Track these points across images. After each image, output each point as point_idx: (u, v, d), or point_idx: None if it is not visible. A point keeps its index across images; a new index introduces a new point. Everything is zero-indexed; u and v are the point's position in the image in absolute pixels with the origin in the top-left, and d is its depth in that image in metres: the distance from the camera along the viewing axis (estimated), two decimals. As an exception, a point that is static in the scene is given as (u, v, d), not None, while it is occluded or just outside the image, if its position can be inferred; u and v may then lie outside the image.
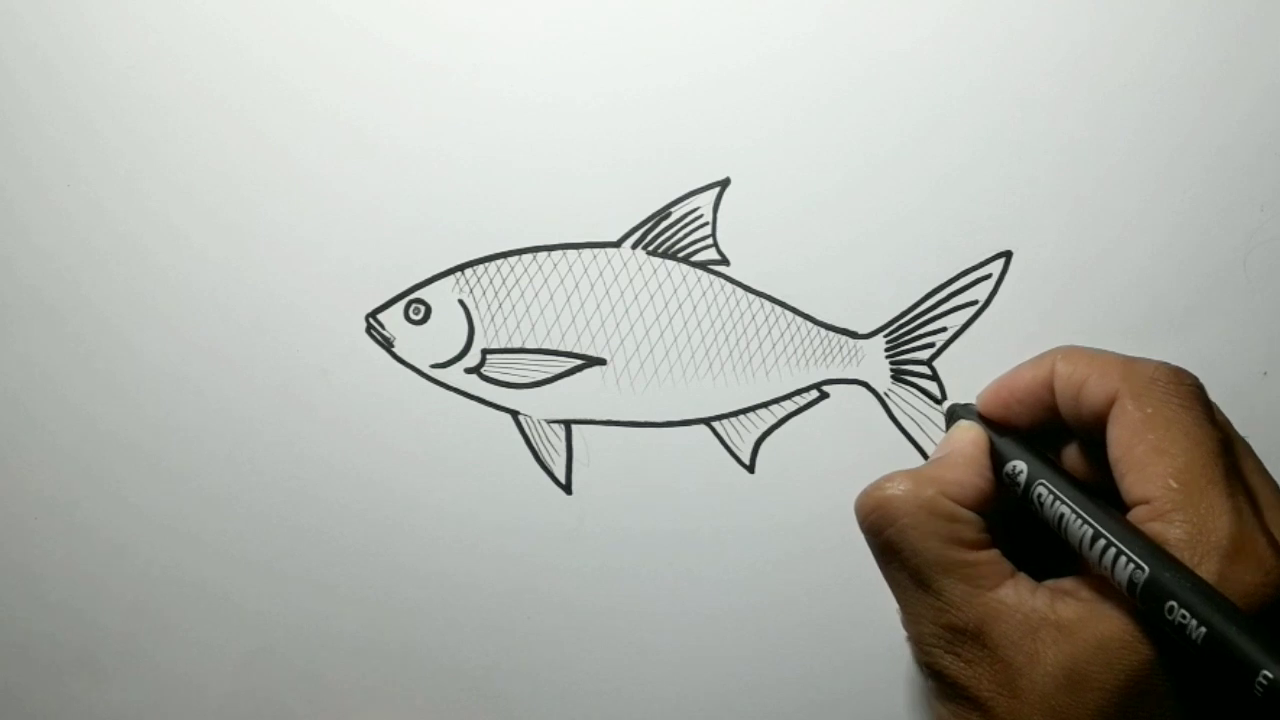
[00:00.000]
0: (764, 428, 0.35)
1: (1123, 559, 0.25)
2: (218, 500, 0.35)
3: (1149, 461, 0.26)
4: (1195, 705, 0.25)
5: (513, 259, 0.35)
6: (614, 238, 0.35)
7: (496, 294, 0.35)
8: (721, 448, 0.35)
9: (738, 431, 0.35)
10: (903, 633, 0.30)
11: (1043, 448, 0.31)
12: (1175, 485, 0.26)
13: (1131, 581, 0.24)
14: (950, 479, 0.29)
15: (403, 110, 0.35)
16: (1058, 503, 0.28)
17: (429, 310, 0.35)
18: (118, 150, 0.35)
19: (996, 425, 0.31)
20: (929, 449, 0.35)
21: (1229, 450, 0.27)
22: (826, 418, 0.35)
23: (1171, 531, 0.25)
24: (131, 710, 0.36)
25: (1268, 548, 0.25)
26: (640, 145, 0.35)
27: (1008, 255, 0.35)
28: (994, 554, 0.28)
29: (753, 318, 0.35)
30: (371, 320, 0.35)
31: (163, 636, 0.36)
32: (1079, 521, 0.27)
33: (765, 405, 0.35)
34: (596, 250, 0.35)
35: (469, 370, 0.35)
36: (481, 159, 0.35)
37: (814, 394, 0.35)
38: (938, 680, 0.28)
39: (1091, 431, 0.29)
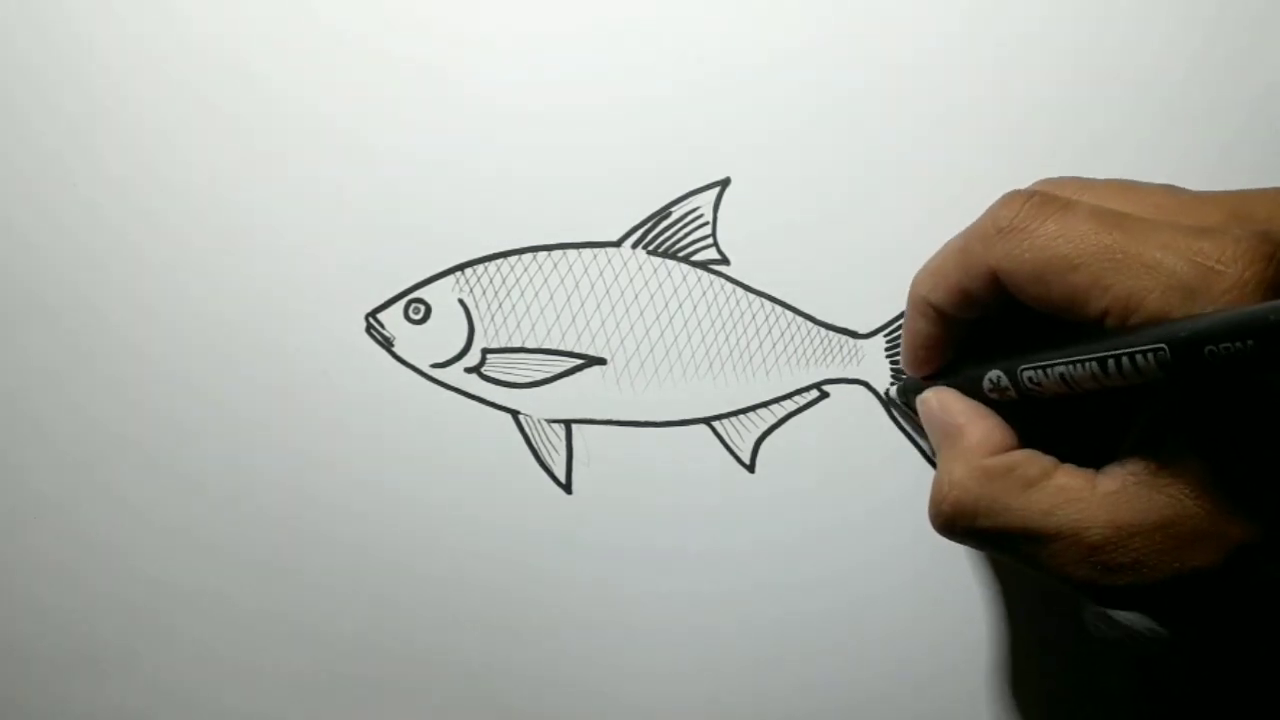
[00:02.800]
0: (764, 427, 0.35)
1: (1139, 356, 0.24)
2: (216, 500, 0.36)
3: (1078, 282, 0.25)
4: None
5: (513, 258, 0.35)
6: (614, 237, 0.35)
7: (496, 293, 0.35)
8: (722, 447, 0.35)
9: (738, 431, 0.35)
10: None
11: (987, 343, 0.30)
12: (1108, 279, 0.25)
13: (1161, 363, 0.23)
14: (975, 441, 0.29)
15: (402, 110, 0.35)
16: (1051, 368, 0.27)
17: (429, 310, 0.35)
18: (116, 153, 0.35)
19: (940, 371, 0.31)
20: (930, 449, 0.35)
21: (1106, 214, 0.26)
22: (826, 418, 0.35)
23: (1148, 306, 0.24)
24: (130, 711, 0.36)
25: (1210, 249, 0.24)
26: (640, 145, 0.35)
27: (1009, 255, 0.35)
28: (1067, 466, 0.27)
29: (753, 317, 0.35)
30: (371, 320, 0.35)
31: (161, 637, 0.36)
32: (1080, 365, 0.26)
33: (765, 405, 0.35)
34: (597, 250, 0.35)
35: (469, 370, 0.35)
36: (481, 159, 0.35)
37: (814, 394, 0.35)
38: (1126, 601, 0.27)
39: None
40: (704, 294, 0.35)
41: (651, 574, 0.35)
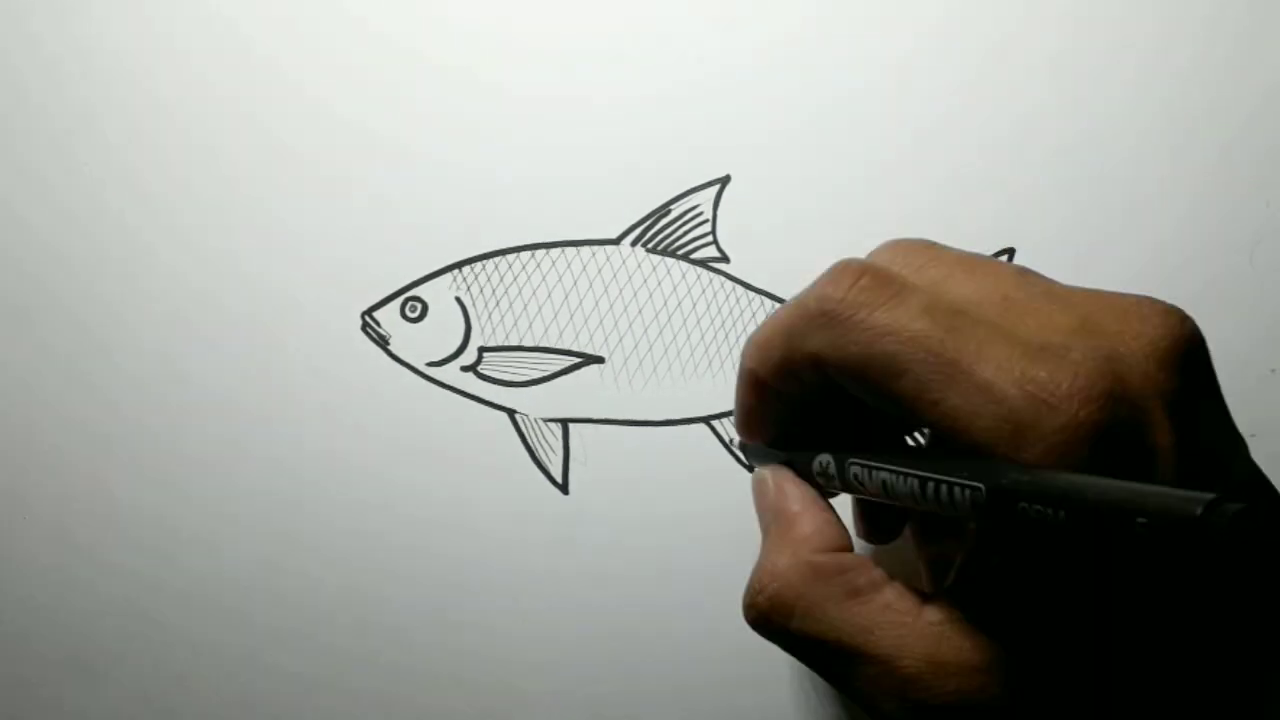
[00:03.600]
0: (764, 427, 0.35)
1: (956, 490, 0.22)
2: (212, 499, 0.35)
3: (904, 389, 0.23)
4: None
5: (510, 256, 0.35)
6: (613, 235, 0.35)
7: (494, 291, 0.35)
8: (720, 446, 0.35)
9: (737, 431, 0.35)
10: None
11: (829, 415, 0.28)
12: (936, 393, 0.22)
13: (975, 504, 0.22)
14: (807, 533, 0.26)
15: (401, 108, 0.35)
16: (875, 471, 0.25)
17: (426, 308, 0.35)
18: (119, 147, 0.35)
19: (774, 440, 0.29)
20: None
21: (942, 312, 0.23)
22: (827, 417, 0.35)
23: (974, 434, 0.22)
24: (125, 713, 0.35)
25: (1044, 389, 0.21)
26: (640, 142, 0.35)
27: (1010, 253, 0.34)
28: (896, 584, 0.25)
29: (753, 316, 0.35)
30: (367, 318, 0.35)
31: (157, 637, 0.35)
32: (901, 479, 0.24)
33: (765, 404, 0.35)
34: (595, 247, 0.35)
35: (465, 368, 0.35)
36: (480, 156, 0.35)
37: (814, 393, 0.35)
38: None
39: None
40: (704, 292, 0.35)
41: (649, 574, 0.35)
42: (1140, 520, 0.18)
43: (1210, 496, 0.18)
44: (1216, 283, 0.34)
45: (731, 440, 0.35)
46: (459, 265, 0.35)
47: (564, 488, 0.35)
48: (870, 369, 0.23)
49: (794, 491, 0.27)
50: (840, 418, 0.27)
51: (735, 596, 0.35)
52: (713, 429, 0.35)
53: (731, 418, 0.35)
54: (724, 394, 0.35)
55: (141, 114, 0.35)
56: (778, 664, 0.35)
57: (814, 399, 0.27)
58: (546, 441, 0.35)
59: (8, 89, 0.35)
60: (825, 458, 0.27)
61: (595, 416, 0.35)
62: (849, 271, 0.24)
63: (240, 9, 0.35)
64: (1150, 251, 0.34)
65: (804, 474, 0.28)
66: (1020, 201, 0.34)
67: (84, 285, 0.35)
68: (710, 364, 0.35)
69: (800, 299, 0.25)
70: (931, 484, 0.23)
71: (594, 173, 0.35)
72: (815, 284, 0.25)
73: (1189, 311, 0.33)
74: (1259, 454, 0.27)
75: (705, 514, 0.35)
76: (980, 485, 0.21)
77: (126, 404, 0.35)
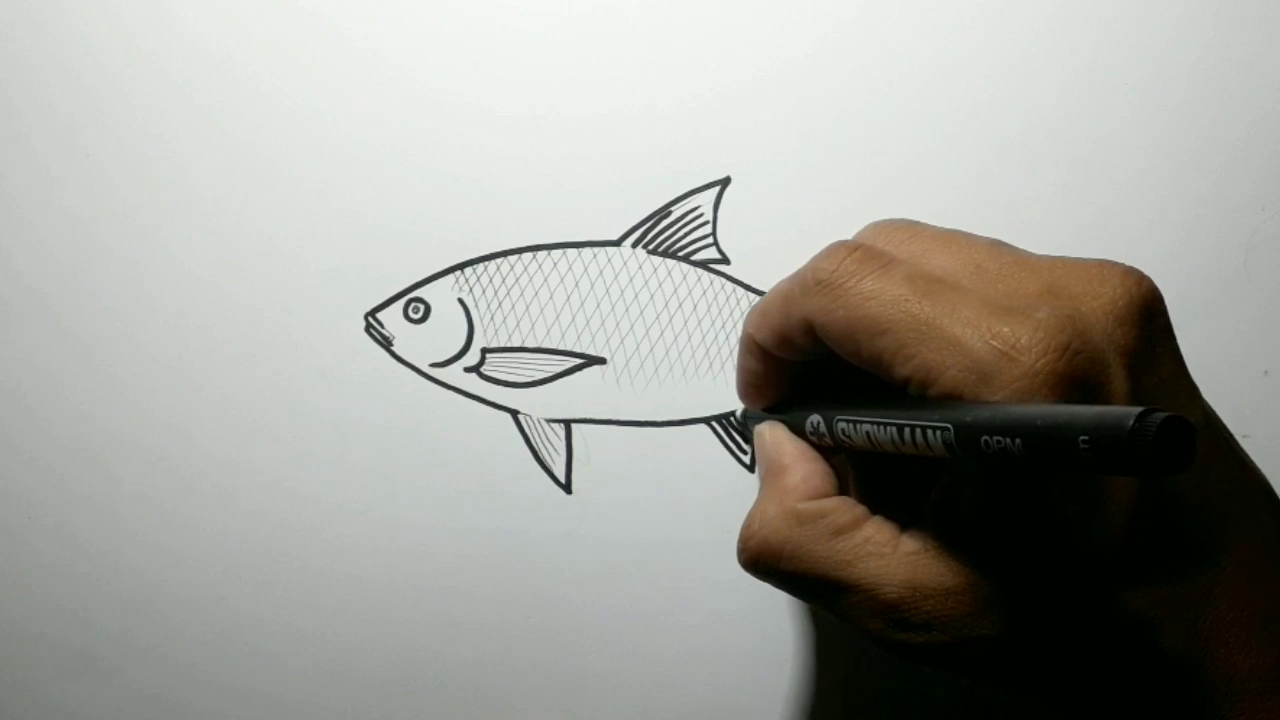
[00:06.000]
0: (764, 427, 0.35)
1: (930, 432, 0.24)
2: (215, 500, 0.35)
3: (885, 346, 0.26)
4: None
5: (512, 257, 0.35)
6: (614, 236, 0.35)
7: (496, 293, 0.35)
8: (722, 447, 0.35)
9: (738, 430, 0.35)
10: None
11: (823, 382, 0.30)
12: (911, 348, 0.25)
13: (946, 444, 0.24)
14: (794, 483, 0.29)
15: (403, 111, 0.35)
16: (859, 424, 0.27)
17: (428, 309, 0.35)
18: (118, 153, 0.35)
19: (775, 405, 0.31)
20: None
21: (920, 279, 0.26)
22: (827, 417, 0.35)
23: (944, 383, 0.24)
24: (129, 713, 0.36)
25: (1010, 336, 0.24)
26: (641, 144, 0.35)
27: (1008, 254, 0.35)
28: (877, 519, 0.27)
29: (753, 316, 0.35)
30: (371, 319, 0.35)
31: (156, 639, 0.36)
32: (882, 428, 0.26)
33: (765, 404, 0.35)
34: (596, 249, 0.35)
35: (468, 369, 0.35)
36: (482, 157, 0.35)
37: (814, 393, 0.35)
38: (917, 657, 0.27)
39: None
40: (704, 293, 0.35)
41: (652, 574, 0.35)
42: (1083, 439, 0.20)
43: (1140, 409, 0.19)
44: (1211, 285, 0.34)
45: (733, 415, 0.35)
46: (461, 266, 0.35)
47: (567, 487, 0.35)
48: (856, 329, 0.26)
49: (786, 445, 0.30)
50: (832, 384, 0.29)
51: (738, 595, 0.35)
52: (714, 429, 0.35)
53: (732, 418, 0.35)
54: (725, 394, 0.35)
55: (137, 126, 0.35)
56: (781, 662, 0.35)
57: (808, 366, 0.30)
58: (550, 442, 0.35)
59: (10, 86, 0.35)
60: (815, 417, 0.29)
61: (598, 417, 0.35)
62: (841, 248, 0.27)
63: (235, 24, 0.35)
64: (1145, 255, 0.34)
65: (798, 433, 0.30)
66: (1017, 205, 0.35)
67: (86, 285, 0.35)
68: (711, 365, 0.35)
69: (798, 273, 0.28)
70: (908, 429, 0.25)
71: (595, 174, 0.35)
72: (810, 260, 0.28)
73: (1186, 313, 0.34)
74: (1253, 454, 0.28)
75: (707, 513, 0.35)
76: (949, 425, 0.23)
77: (129, 405, 0.35)
